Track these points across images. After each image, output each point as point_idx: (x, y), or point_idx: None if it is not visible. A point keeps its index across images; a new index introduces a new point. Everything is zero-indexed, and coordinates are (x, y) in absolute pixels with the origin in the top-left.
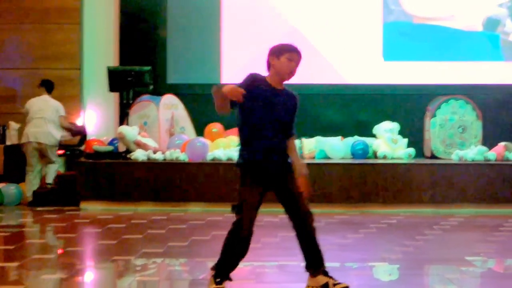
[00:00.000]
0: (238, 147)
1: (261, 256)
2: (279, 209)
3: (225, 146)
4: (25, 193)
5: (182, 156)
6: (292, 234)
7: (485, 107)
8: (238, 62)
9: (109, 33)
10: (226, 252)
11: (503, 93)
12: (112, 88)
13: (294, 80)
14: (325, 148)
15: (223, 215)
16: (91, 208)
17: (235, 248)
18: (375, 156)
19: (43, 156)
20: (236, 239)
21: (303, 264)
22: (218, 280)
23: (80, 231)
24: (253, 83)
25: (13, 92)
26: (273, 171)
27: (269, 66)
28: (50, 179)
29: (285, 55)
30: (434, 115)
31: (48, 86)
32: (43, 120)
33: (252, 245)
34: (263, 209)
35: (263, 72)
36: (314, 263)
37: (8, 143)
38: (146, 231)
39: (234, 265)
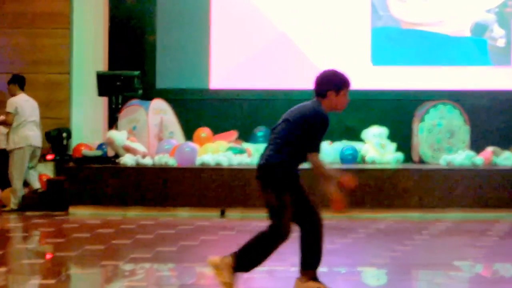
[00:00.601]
0: (276, 153)
1: None
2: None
3: (213, 151)
4: (9, 200)
5: (171, 161)
6: None
7: (473, 112)
8: (227, 67)
9: (98, 38)
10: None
11: (491, 98)
12: (101, 93)
13: (282, 85)
14: None
15: (211, 220)
16: (80, 213)
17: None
18: (363, 161)
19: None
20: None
21: (294, 269)
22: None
23: (68, 236)
24: None
25: (3, 96)
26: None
27: (324, 95)
28: (38, 184)
29: (343, 90)
30: (422, 120)
31: (21, 82)
32: (35, 123)
33: None
34: (251, 214)
35: (255, 74)
36: (314, 263)
37: None
38: (135, 236)
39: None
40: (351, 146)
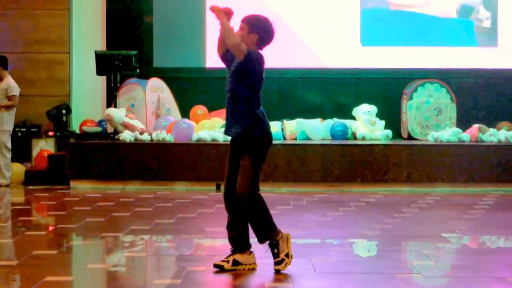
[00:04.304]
0: (248, 118)
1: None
2: (270, 188)
3: (209, 128)
4: (6, 177)
5: (168, 137)
6: (282, 208)
7: (459, 91)
8: None
9: (97, 18)
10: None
11: (476, 77)
12: (100, 72)
13: (275, 64)
14: (306, 130)
15: (207, 194)
16: (81, 187)
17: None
18: (354, 137)
19: None
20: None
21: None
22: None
23: (70, 209)
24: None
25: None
26: None
27: None
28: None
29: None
30: (410, 98)
31: (4, 63)
32: None
33: None
34: None
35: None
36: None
37: None
38: (134, 209)
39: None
40: (342, 123)
